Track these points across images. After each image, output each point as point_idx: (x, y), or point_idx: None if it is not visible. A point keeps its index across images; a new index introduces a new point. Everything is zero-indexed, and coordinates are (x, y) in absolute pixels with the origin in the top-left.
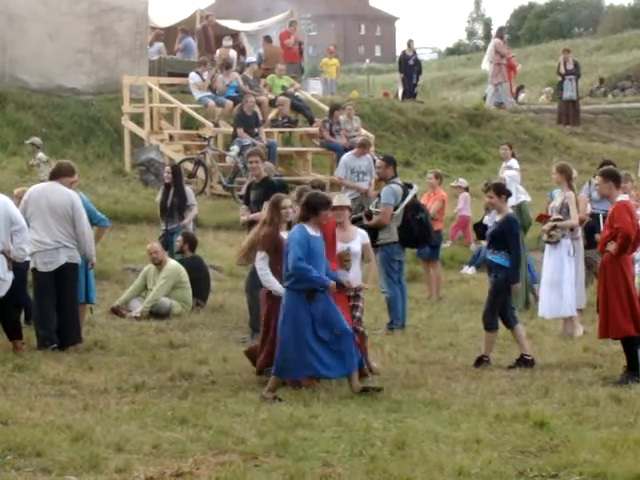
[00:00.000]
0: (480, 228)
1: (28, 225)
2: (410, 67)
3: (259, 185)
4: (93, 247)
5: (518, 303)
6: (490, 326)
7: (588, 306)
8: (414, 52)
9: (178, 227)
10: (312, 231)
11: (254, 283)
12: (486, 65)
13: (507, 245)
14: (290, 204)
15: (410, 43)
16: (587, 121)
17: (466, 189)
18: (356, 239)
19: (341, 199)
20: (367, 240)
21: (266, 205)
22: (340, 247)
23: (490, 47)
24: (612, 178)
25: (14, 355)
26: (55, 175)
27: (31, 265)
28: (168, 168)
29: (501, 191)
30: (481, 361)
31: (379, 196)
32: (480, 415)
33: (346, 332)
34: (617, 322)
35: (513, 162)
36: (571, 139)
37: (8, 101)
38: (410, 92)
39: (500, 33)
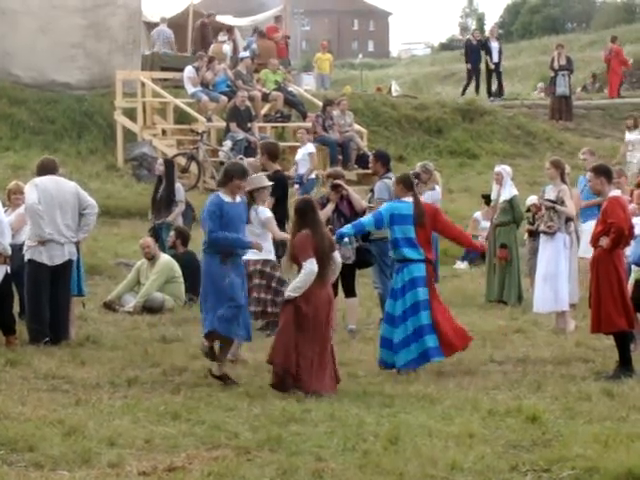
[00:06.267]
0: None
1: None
2: (477, 55)
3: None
4: None
5: (511, 297)
6: None
7: (580, 301)
8: (478, 40)
9: (164, 222)
10: (227, 198)
11: None
12: None
13: None
14: None
15: (474, 32)
16: (580, 116)
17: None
18: None
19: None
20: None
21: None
22: None
23: None
24: (604, 173)
25: (6, 350)
26: (45, 171)
27: (29, 257)
28: (161, 160)
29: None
30: None
31: (372, 191)
32: (473, 410)
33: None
34: (609, 317)
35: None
36: (564, 134)
37: (1, 96)
38: (478, 85)
39: None
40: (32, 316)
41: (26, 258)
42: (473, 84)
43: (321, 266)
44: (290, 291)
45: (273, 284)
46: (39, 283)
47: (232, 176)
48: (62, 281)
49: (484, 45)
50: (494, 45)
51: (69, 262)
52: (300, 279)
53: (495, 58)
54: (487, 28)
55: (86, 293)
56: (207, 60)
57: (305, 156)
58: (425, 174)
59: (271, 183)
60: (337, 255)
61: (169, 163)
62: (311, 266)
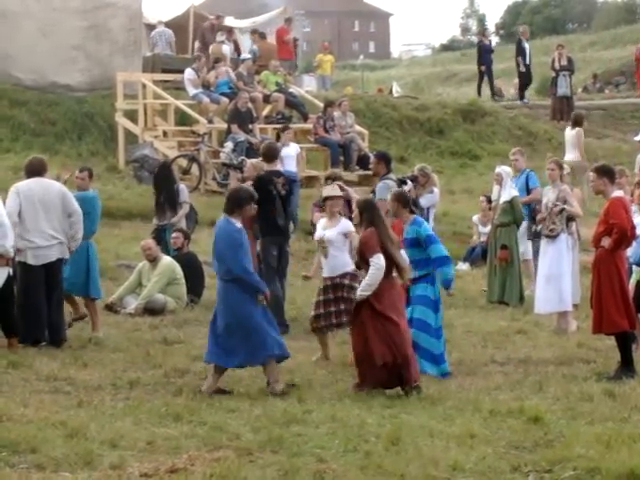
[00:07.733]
0: None
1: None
2: (489, 56)
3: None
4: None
5: (512, 298)
6: None
7: (582, 301)
8: (490, 41)
9: (168, 224)
10: (239, 224)
11: None
12: None
13: None
14: None
15: (485, 31)
16: None
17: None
18: (335, 227)
19: (332, 190)
20: (349, 229)
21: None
22: (319, 234)
23: None
24: (606, 174)
25: (8, 352)
26: (32, 173)
27: (19, 259)
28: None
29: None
30: None
31: (373, 192)
32: (474, 410)
33: None
34: (611, 317)
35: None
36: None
37: (2, 98)
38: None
39: None
40: (21, 316)
41: (16, 259)
42: (472, 85)
43: (387, 263)
44: (362, 290)
45: (344, 294)
46: (26, 283)
47: (242, 203)
48: (52, 282)
49: (518, 46)
50: (526, 46)
51: (59, 262)
52: (370, 276)
53: (527, 59)
54: (490, 28)
55: (102, 296)
56: (213, 61)
57: (294, 155)
58: (423, 177)
59: (342, 194)
60: (403, 253)
61: (164, 166)
62: (379, 261)
